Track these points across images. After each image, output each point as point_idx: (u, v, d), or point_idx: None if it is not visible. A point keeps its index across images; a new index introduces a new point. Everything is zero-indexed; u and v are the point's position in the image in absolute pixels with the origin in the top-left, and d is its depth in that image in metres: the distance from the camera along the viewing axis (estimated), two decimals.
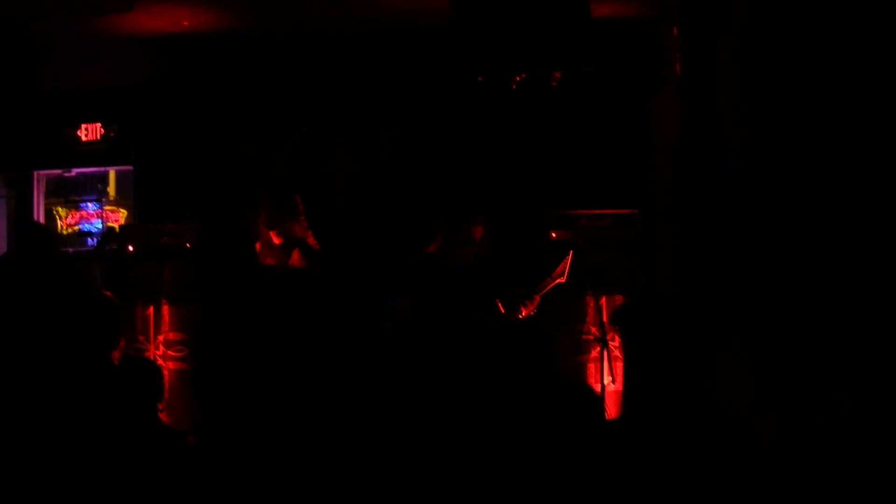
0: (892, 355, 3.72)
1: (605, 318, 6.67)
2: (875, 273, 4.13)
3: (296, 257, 6.35)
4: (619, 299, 6.98)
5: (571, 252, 6.39)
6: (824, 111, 4.86)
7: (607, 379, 6.50)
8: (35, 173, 10.12)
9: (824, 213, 4.65)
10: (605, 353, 6.51)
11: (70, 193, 10.13)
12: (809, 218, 4.82)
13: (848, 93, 4.63)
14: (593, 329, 6.87)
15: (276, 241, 6.37)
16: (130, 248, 7.68)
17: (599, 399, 3.81)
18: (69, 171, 10.05)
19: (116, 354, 4.24)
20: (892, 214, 4.10)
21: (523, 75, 6.86)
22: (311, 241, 6.50)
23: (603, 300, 6.89)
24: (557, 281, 6.39)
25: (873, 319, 4.09)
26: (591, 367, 6.91)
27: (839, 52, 4.73)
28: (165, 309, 7.51)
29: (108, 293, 4.36)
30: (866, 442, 2.81)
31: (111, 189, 10.10)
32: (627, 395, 4.97)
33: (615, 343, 6.56)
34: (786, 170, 5.18)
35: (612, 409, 6.35)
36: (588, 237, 6.98)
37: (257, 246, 6.46)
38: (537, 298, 6.35)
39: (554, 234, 7.00)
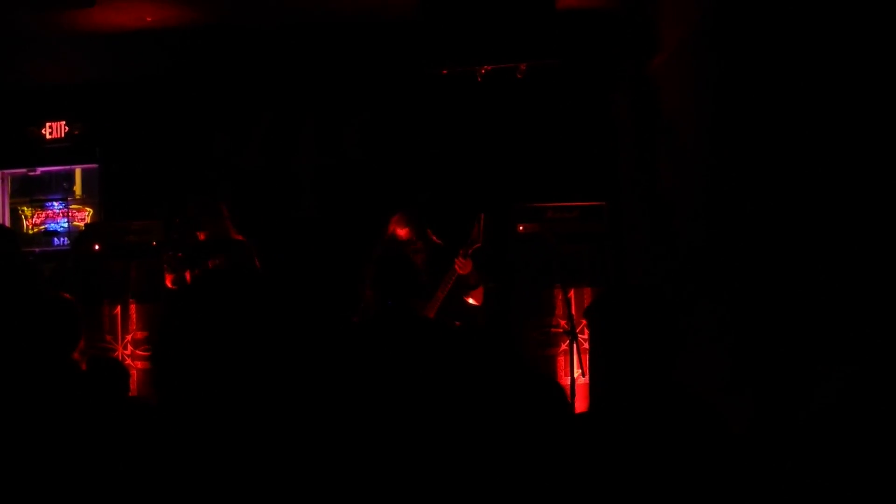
0: (876, 346, 3.72)
1: (573, 311, 6.65)
2: (853, 263, 4.13)
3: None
4: (587, 291, 6.98)
5: (482, 216, 6.34)
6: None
7: (577, 372, 6.50)
8: None
9: (799, 197, 4.66)
10: (575, 346, 6.50)
11: (35, 192, 9.99)
12: (783, 203, 4.83)
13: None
14: (562, 322, 6.87)
15: None
16: (96, 246, 7.63)
17: (563, 391, 3.78)
18: (34, 170, 9.93)
19: (77, 356, 4.19)
20: (868, 198, 4.11)
21: (488, 67, 6.86)
22: (238, 236, 6.51)
23: (571, 293, 6.88)
24: (475, 246, 6.28)
25: (851, 306, 4.10)
26: (561, 361, 6.90)
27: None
28: (132, 308, 7.47)
29: (66, 294, 4.30)
30: (849, 433, 2.81)
31: (77, 188, 9.99)
32: (596, 386, 4.96)
33: (584, 336, 6.56)
34: (753, 159, 5.21)
35: (581, 402, 6.36)
36: (555, 229, 6.98)
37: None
38: (464, 262, 6.26)
39: (521, 227, 7.00)
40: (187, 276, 6.33)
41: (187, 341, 1.81)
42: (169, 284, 6.46)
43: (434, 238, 6.55)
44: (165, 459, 1.96)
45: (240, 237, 6.50)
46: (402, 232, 6.45)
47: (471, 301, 6.48)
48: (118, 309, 7.47)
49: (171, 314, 1.89)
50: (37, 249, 9.48)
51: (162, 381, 1.88)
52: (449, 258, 6.32)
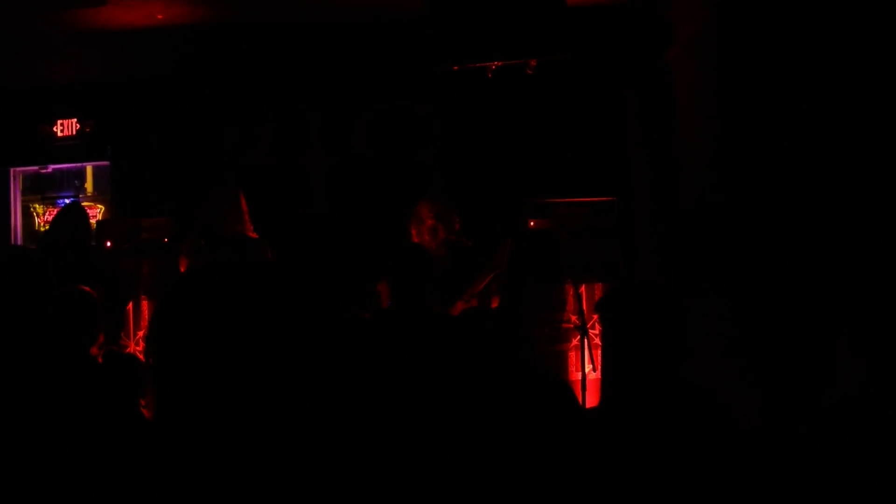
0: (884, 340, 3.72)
1: (584, 306, 6.66)
2: (862, 258, 4.14)
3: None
4: (598, 287, 6.99)
5: (509, 240, 6.31)
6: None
7: (588, 367, 6.50)
8: (11, 170, 10.06)
9: (804, 193, 4.67)
10: (586, 342, 6.51)
11: (47, 190, 10.07)
12: (788, 199, 4.84)
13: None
14: (573, 317, 6.88)
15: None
16: (108, 243, 7.65)
17: (570, 389, 3.80)
18: (45, 168, 10.01)
19: (95, 350, 4.22)
20: (869, 190, 4.12)
21: (499, 63, 6.86)
22: (251, 234, 6.46)
23: (582, 288, 6.89)
24: (496, 272, 6.23)
25: (856, 304, 4.10)
26: (572, 356, 6.91)
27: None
28: (144, 304, 7.49)
29: (87, 288, 4.33)
30: (868, 429, 2.81)
31: (88, 185, 10.06)
32: (607, 382, 4.96)
33: (595, 331, 6.57)
34: (762, 153, 5.22)
35: (592, 398, 6.37)
36: (566, 225, 6.98)
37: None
38: (476, 290, 6.20)
39: (532, 223, 7.01)
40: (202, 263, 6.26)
41: (187, 331, 1.81)
42: (183, 272, 6.43)
43: (464, 239, 6.43)
44: (173, 453, 1.98)
45: (255, 235, 6.48)
46: (427, 219, 6.37)
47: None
48: (130, 305, 7.50)
49: (171, 302, 1.89)
50: None
51: (159, 372, 1.88)
52: (473, 255, 6.29)
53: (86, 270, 5.89)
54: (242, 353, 1.74)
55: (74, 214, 6.48)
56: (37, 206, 10.00)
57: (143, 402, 4.54)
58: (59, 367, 4.00)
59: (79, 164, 9.96)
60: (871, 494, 2.68)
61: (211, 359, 1.74)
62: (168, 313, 1.84)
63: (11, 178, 10.03)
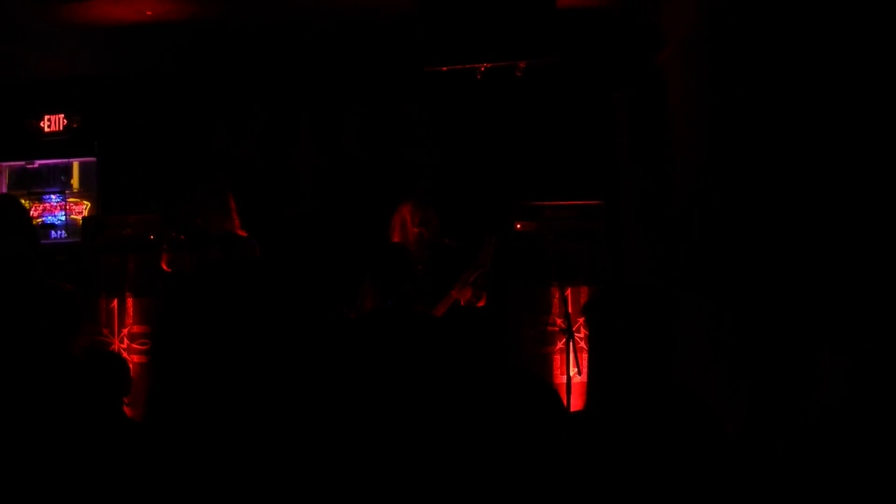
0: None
1: (570, 309, 6.66)
2: (857, 262, 4.15)
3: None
4: (584, 290, 6.99)
5: (493, 238, 6.29)
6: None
7: (573, 370, 6.50)
8: None
9: (792, 196, 4.68)
10: (571, 345, 6.51)
11: (33, 185, 9.99)
12: (777, 202, 4.85)
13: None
14: (559, 320, 6.88)
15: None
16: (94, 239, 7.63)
17: (555, 392, 3.79)
18: (32, 163, 9.94)
19: (77, 349, 4.20)
20: (857, 190, 4.13)
21: (488, 65, 6.85)
22: (240, 232, 6.42)
23: (568, 291, 6.90)
24: (480, 270, 6.19)
25: (847, 310, 4.10)
26: (557, 359, 6.92)
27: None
28: (129, 301, 7.46)
29: (69, 285, 4.30)
30: (857, 430, 2.81)
31: (74, 180, 9.99)
32: (592, 385, 4.95)
33: (581, 334, 6.57)
34: (751, 152, 5.23)
35: (577, 401, 6.37)
36: (553, 227, 6.99)
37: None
38: (465, 289, 6.17)
39: (519, 225, 7.01)
40: (186, 259, 6.23)
41: (187, 334, 1.81)
42: (164, 266, 6.37)
43: (445, 239, 6.43)
44: (164, 451, 1.97)
45: (244, 233, 6.45)
46: (411, 221, 6.37)
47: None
48: (115, 302, 7.48)
49: (172, 307, 1.89)
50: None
51: (162, 373, 1.88)
52: (456, 257, 6.27)
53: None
54: (238, 354, 1.74)
55: (11, 207, 6.39)
56: (22, 201, 9.93)
57: (125, 400, 4.53)
58: (42, 364, 3.98)
59: (65, 160, 9.90)
60: (853, 497, 2.68)
61: (218, 358, 1.73)
62: (178, 316, 1.84)
63: None
